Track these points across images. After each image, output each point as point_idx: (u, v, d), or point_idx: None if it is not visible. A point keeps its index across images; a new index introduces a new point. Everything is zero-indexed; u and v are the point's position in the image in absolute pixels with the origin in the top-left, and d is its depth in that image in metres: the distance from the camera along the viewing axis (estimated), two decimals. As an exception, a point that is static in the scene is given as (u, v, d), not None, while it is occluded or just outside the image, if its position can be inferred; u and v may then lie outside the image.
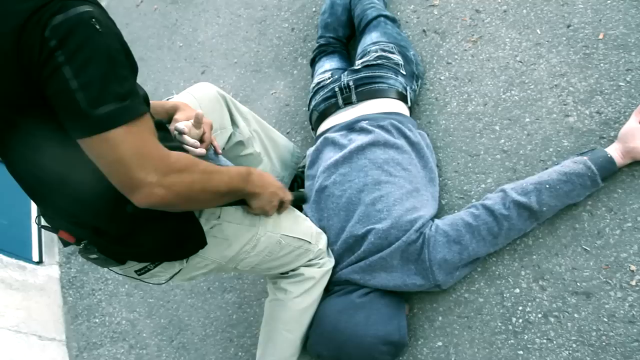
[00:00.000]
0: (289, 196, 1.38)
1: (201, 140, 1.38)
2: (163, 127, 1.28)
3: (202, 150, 1.34)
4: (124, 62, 0.93)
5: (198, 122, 1.31)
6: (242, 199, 1.26)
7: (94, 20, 0.87)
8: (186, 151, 1.29)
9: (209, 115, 1.49)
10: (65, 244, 1.20)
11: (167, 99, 1.50)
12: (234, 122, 1.66)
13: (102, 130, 0.88)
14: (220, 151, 1.49)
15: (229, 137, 1.64)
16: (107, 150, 0.91)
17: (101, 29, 0.88)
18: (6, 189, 3.02)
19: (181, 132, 1.28)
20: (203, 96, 1.56)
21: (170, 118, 1.39)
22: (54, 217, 1.17)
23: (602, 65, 1.53)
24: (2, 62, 0.88)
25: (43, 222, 1.20)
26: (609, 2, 1.63)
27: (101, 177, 0.97)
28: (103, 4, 5.17)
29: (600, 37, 1.58)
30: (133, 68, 1.00)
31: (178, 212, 1.13)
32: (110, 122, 0.89)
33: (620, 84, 1.47)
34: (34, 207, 3.36)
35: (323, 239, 1.52)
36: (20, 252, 2.85)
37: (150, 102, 1.30)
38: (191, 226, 1.18)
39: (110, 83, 0.89)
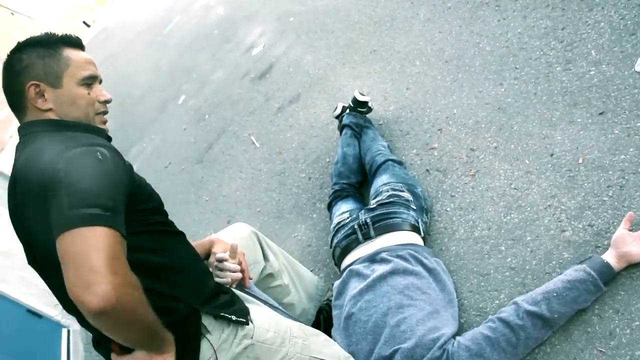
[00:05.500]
0: None
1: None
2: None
3: (239, 275, 1.54)
4: (120, 188, 1.11)
5: (234, 252, 1.54)
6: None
7: (98, 153, 1.11)
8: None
9: (244, 252, 1.69)
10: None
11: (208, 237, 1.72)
12: (265, 257, 1.85)
13: (77, 225, 0.97)
14: (252, 277, 1.68)
15: (261, 270, 1.82)
16: (78, 244, 0.97)
17: (102, 158, 1.10)
18: (38, 340, 3.14)
19: (221, 260, 1.49)
20: (238, 236, 1.77)
21: (208, 254, 1.60)
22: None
23: (586, 184, 1.74)
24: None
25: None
26: (581, 132, 1.89)
27: None
28: (133, 168, 5.69)
29: (580, 161, 1.81)
30: (148, 194, 1.28)
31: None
32: (90, 220, 0.98)
33: (604, 199, 1.66)
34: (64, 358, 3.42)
35: None
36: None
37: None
38: None
39: (95, 196, 1.02)
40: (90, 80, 1.34)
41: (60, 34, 1.33)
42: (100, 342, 1.33)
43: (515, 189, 1.92)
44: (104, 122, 1.40)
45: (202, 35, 7.95)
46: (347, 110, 2.70)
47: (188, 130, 5.22)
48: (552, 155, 1.92)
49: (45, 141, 1.20)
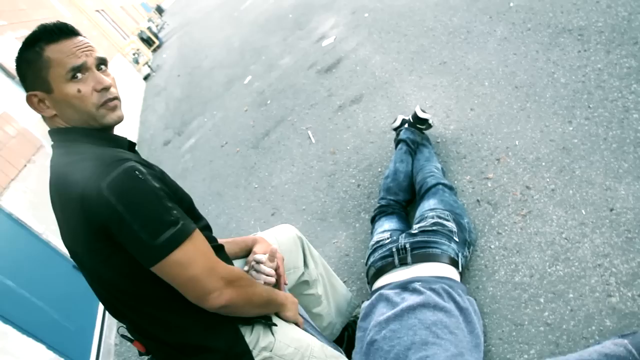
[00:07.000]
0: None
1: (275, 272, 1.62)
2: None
3: (272, 280, 1.56)
4: (167, 196, 1.16)
5: (272, 256, 1.56)
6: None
7: (136, 172, 1.12)
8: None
9: (286, 255, 1.71)
10: (140, 353, 1.38)
11: (252, 234, 1.75)
12: (305, 263, 1.85)
13: (167, 253, 1.11)
14: (287, 282, 1.69)
15: (299, 276, 1.82)
16: (177, 269, 1.13)
17: (142, 176, 1.12)
18: (79, 296, 3.30)
19: (259, 262, 1.51)
20: (283, 238, 1.79)
21: (249, 250, 1.63)
22: (132, 329, 1.37)
23: (643, 250, 1.64)
24: (73, 220, 1.15)
25: (122, 332, 1.41)
26: (648, 192, 1.78)
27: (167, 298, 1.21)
28: (191, 141, 5.83)
29: (641, 223, 1.71)
30: (181, 198, 1.26)
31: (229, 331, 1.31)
32: (172, 245, 1.11)
33: (661, 270, 1.56)
34: (99, 319, 3.59)
35: None
36: (78, 359, 3.03)
37: (234, 238, 1.62)
38: (242, 346, 1.33)
39: (161, 215, 1.11)
40: (75, 72, 1.20)
41: (40, 29, 1.21)
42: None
43: (566, 239, 1.84)
44: (114, 109, 1.26)
45: (276, 17, 8.01)
46: (406, 125, 2.65)
47: (249, 113, 5.29)
48: (611, 210, 1.82)
49: (70, 161, 1.19)
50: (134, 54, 13.86)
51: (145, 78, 13.04)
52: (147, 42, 16.94)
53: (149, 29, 17.90)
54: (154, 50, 17.07)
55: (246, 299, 1.26)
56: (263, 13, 9.05)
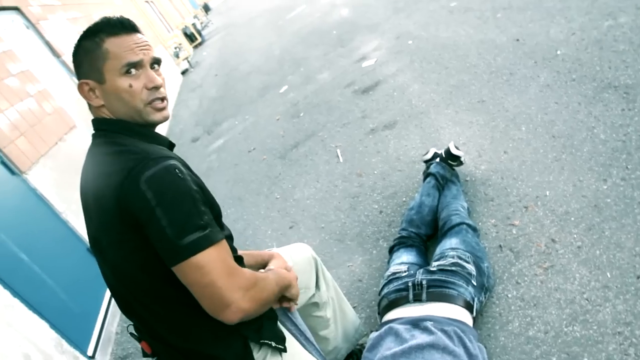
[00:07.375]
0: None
1: None
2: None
3: None
4: (202, 200, 1.17)
5: None
6: None
7: (176, 170, 1.14)
8: None
9: (299, 275, 1.69)
10: (144, 354, 1.38)
11: (267, 249, 1.75)
12: (317, 285, 1.83)
13: (189, 255, 1.09)
14: (297, 303, 1.67)
15: (309, 297, 1.81)
16: (197, 274, 1.11)
17: (182, 175, 1.14)
18: (88, 280, 3.32)
19: None
20: (299, 257, 1.78)
21: (265, 264, 1.62)
22: (140, 328, 1.36)
23: (667, 325, 1.59)
24: (106, 208, 1.15)
25: (131, 330, 1.40)
26: (679, 265, 1.73)
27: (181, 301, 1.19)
28: (220, 142, 5.86)
29: (668, 297, 1.66)
30: (212, 205, 1.25)
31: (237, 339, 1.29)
32: (195, 248, 1.09)
33: (683, 349, 1.51)
34: (104, 306, 3.61)
35: None
36: (79, 342, 3.03)
37: (251, 251, 1.61)
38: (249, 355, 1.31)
39: (192, 217, 1.11)
40: (130, 67, 1.23)
41: (103, 21, 1.25)
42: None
43: (587, 300, 1.79)
44: (160, 109, 1.30)
45: (320, 31, 8.07)
46: (437, 159, 2.63)
47: (280, 122, 5.31)
48: (639, 277, 1.77)
49: (112, 151, 1.22)
50: (175, 48, 14.09)
51: (183, 73, 13.24)
52: (190, 38, 17.22)
53: (194, 25, 18.21)
54: (196, 47, 17.35)
55: (260, 303, 1.23)
56: (307, 25, 9.14)
